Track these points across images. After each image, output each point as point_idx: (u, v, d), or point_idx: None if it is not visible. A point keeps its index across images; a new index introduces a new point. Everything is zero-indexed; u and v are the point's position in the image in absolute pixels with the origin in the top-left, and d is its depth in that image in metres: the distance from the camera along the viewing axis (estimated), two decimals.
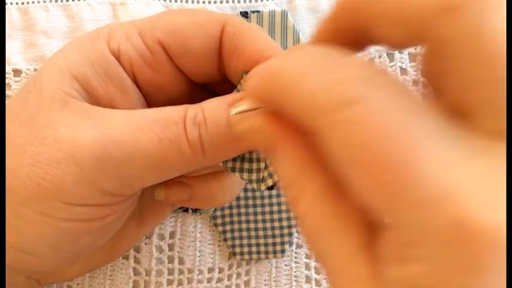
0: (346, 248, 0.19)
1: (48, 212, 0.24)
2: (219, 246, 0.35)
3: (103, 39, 0.26)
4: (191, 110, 0.24)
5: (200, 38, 0.26)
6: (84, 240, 0.25)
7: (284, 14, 0.34)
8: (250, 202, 0.35)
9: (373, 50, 0.35)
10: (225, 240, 0.35)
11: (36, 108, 0.24)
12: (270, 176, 0.25)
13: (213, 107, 0.24)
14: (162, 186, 0.29)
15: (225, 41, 0.26)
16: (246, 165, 0.26)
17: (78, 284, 0.35)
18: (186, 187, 0.29)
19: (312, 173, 0.20)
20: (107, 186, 0.24)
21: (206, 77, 0.27)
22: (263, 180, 0.25)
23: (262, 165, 0.26)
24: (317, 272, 0.35)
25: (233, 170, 0.26)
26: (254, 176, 0.26)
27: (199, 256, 0.35)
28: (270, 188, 0.25)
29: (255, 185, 0.26)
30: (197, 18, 0.26)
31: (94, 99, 0.25)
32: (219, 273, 0.35)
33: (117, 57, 0.26)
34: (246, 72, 0.25)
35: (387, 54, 0.36)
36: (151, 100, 0.27)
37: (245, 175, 0.26)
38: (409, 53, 0.36)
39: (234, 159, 0.26)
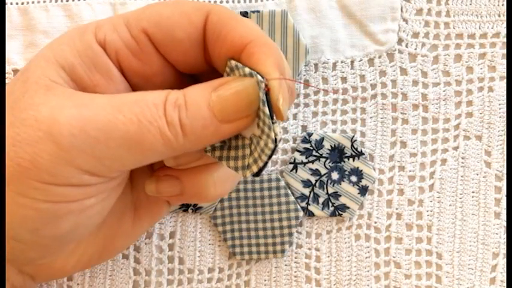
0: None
1: (27, 192, 0.24)
2: (219, 246, 0.35)
3: (91, 32, 0.26)
4: (173, 94, 0.25)
5: (184, 26, 0.26)
6: (65, 224, 0.25)
7: (284, 14, 0.34)
8: (250, 202, 0.35)
9: (373, 50, 0.35)
10: (225, 240, 0.35)
11: (21, 93, 0.25)
12: (255, 161, 0.25)
13: (195, 92, 0.25)
14: (152, 180, 0.29)
15: (209, 29, 0.26)
16: (232, 153, 0.26)
17: (78, 284, 0.35)
18: (176, 181, 0.29)
19: None
20: (85, 165, 0.24)
21: (193, 66, 0.28)
22: (248, 167, 0.25)
23: (247, 151, 0.25)
24: (317, 272, 0.35)
25: (220, 158, 0.26)
26: (240, 163, 0.26)
27: (199, 256, 0.35)
28: (255, 174, 0.25)
29: (240, 172, 0.25)
30: (182, 8, 0.26)
31: (80, 87, 0.26)
32: (219, 273, 0.35)
33: (103, 48, 0.26)
34: (230, 58, 0.26)
35: (387, 54, 0.36)
36: (138, 91, 0.27)
37: (231, 163, 0.26)
38: (409, 53, 0.36)
39: (222, 148, 0.26)
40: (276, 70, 0.24)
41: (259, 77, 0.24)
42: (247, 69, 0.24)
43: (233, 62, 0.25)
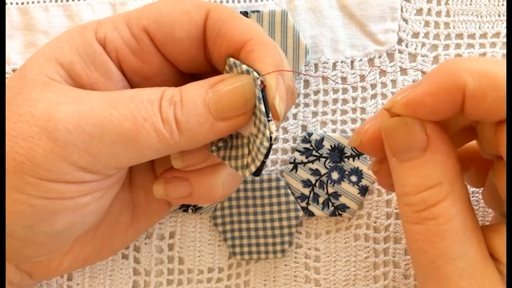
0: (480, 253, 0.22)
1: (22, 188, 0.24)
2: (218, 246, 0.35)
3: (91, 30, 0.26)
4: (169, 91, 0.25)
5: (184, 24, 0.26)
6: (60, 222, 0.25)
7: (284, 14, 0.34)
8: (250, 202, 0.35)
9: (373, 50, 0.35)
10: (225, 240, 0.35)
11: (19, 89, 0.25)
12: (253, 161, 0.25)
13: (192, 89, 0.25)
14: (160, 182, 0.29)
15: (209, 27, 0.26)
16: (233, 152, 0.26)
17: (78, 284, 0.35)
18: (185, 182, 0.28)
19: (459, 179, 0.23)
20: (80, 162, 0.24)
21: (193, 65, 0.28)
22: (247, 166, 0.25)
23: (246, 150, 0.25)
24: (316, 272, 0.35)
25: (224, 158, 0.26)
26: (239, 163, 0.26)
27: (199, 256, 0.35)
28: (255, 174, 0.25)
29: (240, 172, 0.26)
30: (183, 6, 0.26)
31: (78, 85, 0.26)
32: (218, 273, 0.35)
33: (103, 46, 0.26)
34: (229, 56, 0.26)
35: (387, 54, 0.36)
36: None
37: (232, 162, 0.26)
38: (409, 53, 0.36)
39: (225, 148, 0.26)
40: (273, 68, 0.24)
41: (256, 74, 0.24)
42: (244, 67, 0.24)
43: (232, 60, 0.25)
